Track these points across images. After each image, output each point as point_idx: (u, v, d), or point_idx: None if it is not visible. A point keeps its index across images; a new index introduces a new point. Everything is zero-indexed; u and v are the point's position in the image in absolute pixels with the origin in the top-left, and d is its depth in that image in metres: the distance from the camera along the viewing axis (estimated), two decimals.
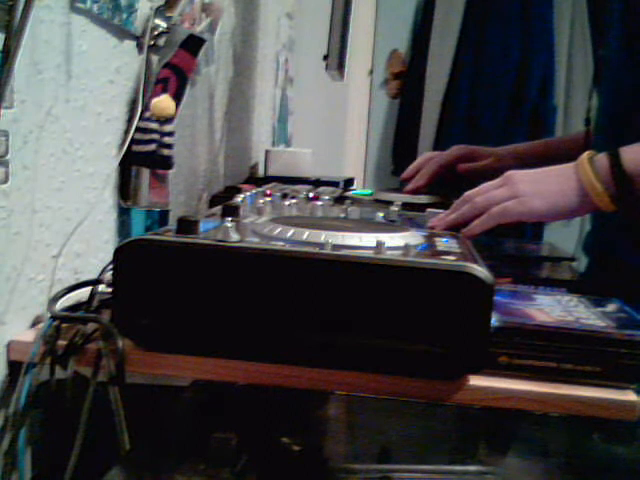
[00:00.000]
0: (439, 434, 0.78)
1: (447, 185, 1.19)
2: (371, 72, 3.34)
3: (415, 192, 1.15)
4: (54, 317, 0.62)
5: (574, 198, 0.80)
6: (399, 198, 1.05)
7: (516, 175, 0.82)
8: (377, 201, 1.09)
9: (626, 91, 0.97)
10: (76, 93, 0.73)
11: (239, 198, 0.90)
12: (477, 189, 0.84)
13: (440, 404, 0.61)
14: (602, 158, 0.80)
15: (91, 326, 0.61)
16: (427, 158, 1.20)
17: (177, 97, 0.88)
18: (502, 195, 0.81)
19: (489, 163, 1.18)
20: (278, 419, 0.74)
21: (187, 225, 0.60)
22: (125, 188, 0.85)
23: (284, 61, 1.89)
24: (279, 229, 0.64)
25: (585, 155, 0.81)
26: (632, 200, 0.79)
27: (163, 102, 0.85)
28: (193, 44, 0.90)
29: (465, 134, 2.94)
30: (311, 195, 0.99)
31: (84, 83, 0.74)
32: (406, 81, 3.27)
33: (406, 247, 0.59)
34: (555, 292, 0.75)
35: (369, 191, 1.20)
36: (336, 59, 1.38)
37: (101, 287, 0.68)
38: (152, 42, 0.85)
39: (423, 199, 1.08)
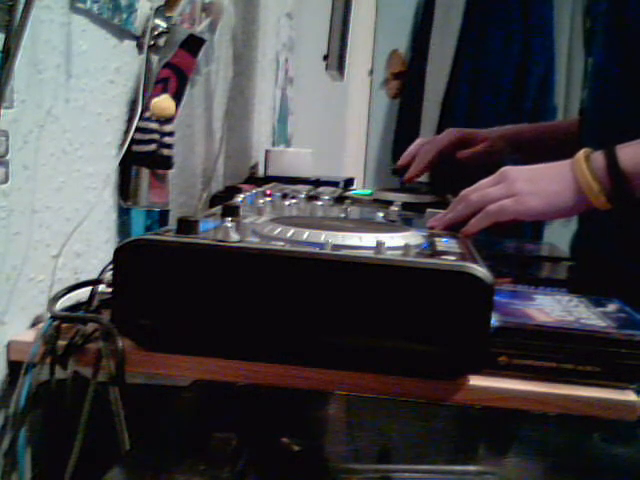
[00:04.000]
0: (439, 434, 0.78)
1: (446, 172, 1.18)
2: (371, 72, 3.34)
3: (415, 178, 1.14)
4: (54, 317, 0.62)
5: (570, 197, 0.79)
6: (399, 198, 1.05)
7: (512, 172, 0.81)
8: (377, 201, 1.09)
9: (611, 84, 0.97)
10: (76, 93, 0.73)
11: (239, 198, 0.90)
12: (473, 187, 0.83)
13: (440, 404, 0.61)
14: (598, 157, 0.79)
15: (91, 326, 0.61)
16: (421, 144, 1.18)
17: (177, 97, 0.88)
18: (498, 193, 0.80)
19: (486, 147, 1.17)
20: (278, 419, 0.74)
21: (187, 225, 0.60)
22: (125, 188, 0.85)
23: (284, 61, 1.89)
24: (279, 229, 0.64)
25: (581, 153, 0.80)
26: (628, 199, 0.79)
27: (163, 102, 0.85)
28: (193, 44, 0.90)
29: None
30: (311, 195, 0.99)
31: (84, 83, 0.74)
32: (406, 81, 3.27)
33: (406, 247, 0.59)
34: (555, 292, 0.75)
35: (369, 191, 1.20)
36: (336, 59, 1.38)
37: (101, 287, 0.67)
38: (152, 42, 0.85)
39: (423, 199, 1.08)
